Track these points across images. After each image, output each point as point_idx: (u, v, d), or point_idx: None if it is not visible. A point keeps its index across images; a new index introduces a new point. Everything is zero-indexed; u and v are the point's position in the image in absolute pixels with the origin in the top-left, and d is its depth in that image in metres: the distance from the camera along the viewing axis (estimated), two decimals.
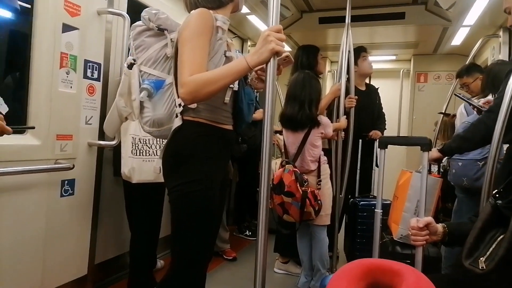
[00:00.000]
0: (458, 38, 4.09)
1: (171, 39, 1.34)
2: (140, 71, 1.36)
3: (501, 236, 1.07)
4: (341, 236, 2.99)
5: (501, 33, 3.28)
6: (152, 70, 1.35)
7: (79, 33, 1.92)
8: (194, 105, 1.25)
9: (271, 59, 1.11)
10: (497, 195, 1.14)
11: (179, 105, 1.27)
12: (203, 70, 1.19)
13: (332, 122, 2.75)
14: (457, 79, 3.01)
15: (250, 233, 3.63)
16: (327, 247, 2.42)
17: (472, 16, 3.36)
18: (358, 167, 3.11)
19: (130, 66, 1.36)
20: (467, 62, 3.35)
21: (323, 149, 2.80)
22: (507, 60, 2.95)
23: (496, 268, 1.03)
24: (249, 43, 4.27)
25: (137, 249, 2.17)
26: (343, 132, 2.73)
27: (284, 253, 2.85)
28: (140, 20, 1.37)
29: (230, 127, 1.40)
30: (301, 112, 2.28)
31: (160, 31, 1.34)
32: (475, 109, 2.12)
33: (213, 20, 1.25)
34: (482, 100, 2.10)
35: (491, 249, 1.07)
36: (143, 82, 1.34)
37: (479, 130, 1.60)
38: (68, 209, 1.96)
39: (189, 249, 1.28)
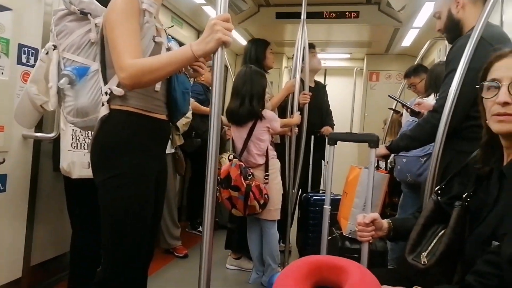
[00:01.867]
0: (408, 39, 4.27)
1: (95, 24, 1.26)
2: (63, 58, 1.28)
3: (442, 232, 1.09)
4: (293, 231, 3.00)
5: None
6: (75, 57, 1.27)
7: (13, 14, 1.76)
8: (121, 93, 1.18)
9: (219, 49, 1.06)
10: (439, 192, 1.17)
11: (106, 93, 1.20)
12: (140, 54, 1.13)
13: (286, 118, 2.76)
14: (405, 79, 3.12)
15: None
16: (277, 242, 2.43)
17: (421, 19, 3.51)
18: (311, 163, 3.15)
19: (50, 52, 1.27)
20: (415, 63, 3.49)
21: (275, 144, 2.81)
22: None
23: (437, 263, 1.05)
24: None
25: (79, 248, 2.03)
26: (296, 128, 2.74)
27: (237, 249, 2.82)
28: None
29: (163, 117, 1.33)
30: (242, 106, 2.30)
31: (83, 16, 1.27)
32: (408, 110, 2.22)
33: (139, 3, 1.19)
34: (417, 100, 2.20)
35: (432, 244, 1.09)
36: (65, 68, 1.24)
37: (425, 129, 1.66)
38: None
39: (123, 248, 1.21)
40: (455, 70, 1.53)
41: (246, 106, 2.29)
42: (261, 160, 2.35)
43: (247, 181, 2.20)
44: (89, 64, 1.27)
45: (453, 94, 1.50)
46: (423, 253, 1.09)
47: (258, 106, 2.31)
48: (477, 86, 1.02)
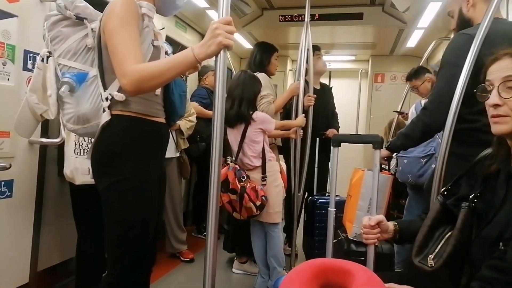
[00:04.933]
0: (413, 40, 4.24)
1: (92, 29, 1.25)
2: (59, 64, 1.26)
3: (449, 233, 1.08)
4: (300, 234, 2.99)
5: (452, 36, 3.43)
6: (72, 63, 1.26)
7: (18, 21, 1.77)
8: (122, 98, 1.18)
9: (221, 52, 1.06)
10: (445, 193, 1.15)
11: (106, 98, 1.19)
12: (141, 59, 1.12)
13: (290, 120, 2.76)
14: (407, 82, 3.11)
15: None
16: (281, 244, 2.42)
17: (426, 19, 3.49)
18: (316, 166, 3.13)
19: (46, 59, 1.26)
20: (420, 64, 3.47)
21: (278, 147, 2.80)
22: None
23: (444, 265, 1.04)
24: None
25: (85, 253, 2.04)
26: (301, 130, 2.73)
27: (242, 253, 2.81)
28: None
29: (163, 120, 1.34)
30: (231, 109, 2.31)
31: (79, 20, 1.25)
32: None
33: (138, 7, 1.19)
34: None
35: (439, 246, 1.08)
36: (64, 75, 1.24)
37: (417, 127, 1.65)
38: (5, 212, 1.80)
39: (127, 253, 1.21)
40: (443, 67, 1.55)
41: (235, 109, 2.31)
42: (257, 162, 2.34)
43: (241, 183, 2.21)
44: (87, 70, 1.26)
45: (458, 94, 1.47)
46: (429, 256, 1.08)
47: (247, 110, 2.32)
48: (474, 91, 1.03)
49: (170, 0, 1.33)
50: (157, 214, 1.36)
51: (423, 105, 1.65)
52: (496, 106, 0.93)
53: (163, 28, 1.52)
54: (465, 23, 1.66)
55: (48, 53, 1.27)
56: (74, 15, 1.24)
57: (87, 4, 1.28)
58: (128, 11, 1.15)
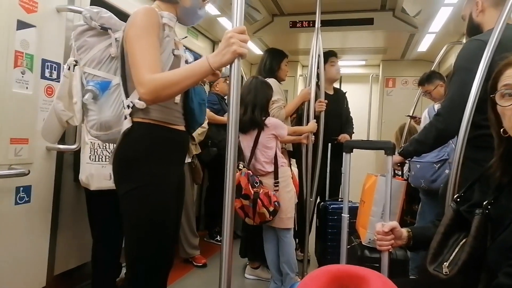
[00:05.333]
0: (424, 45, 4.22)
1: (115, 39, 1.29)
2: (84, 72, 1.30)
3: (464, 240, 1.07)
4: (312, 240, 2.98)
5: (464, 40, 3.40)
6: (97, 71, 1.29)
7: (36, 30, 1.82)
8: (143, 106, 1.20)
9: (235, 60, 1.08)
10: (458, 200, 1.14)
11: (128, 106, 1.22)
12: (159, 68, 1.15)
13: (302, 126, 2.77)
14: (419, 87, 3.09)
15: (221, 238, 3.55)
16: (293, 250, 2.42)
17: (437, 23, 3.47)
18: (328, 171, 3.12)
19: (72, 68, 1.29)
20: (432, 68, 3.44)
21: (288, 152, 2.80)
22: None
23: (460, 272, 1.03)
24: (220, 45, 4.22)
25: (99, 257, 2.07)
26: (313, 136, 2.74)
27: (254, 258, 2.82)
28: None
29: (182, 128, 1.36)
30: (245, 115, 2.33)
31: (104, 30, 1.29)
32: None
33: (159, 17, 1.22)
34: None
35: (454, 253, 1.07)
36: (88, 83, 1.27)
37: (430, 133, 1.64)
38: (23, 217, 1.84)
39: (146, 257, 1.23)
40: (456, 73, 1.54)
41: (248, 115, 2.33)
42: (270, 168, 2.36)
43: (254, 189, 2.22)
44: (110, 78, 1.30)
45: (472, 100, 1.47)
46: (444, 263, 1.07)
47: (260, 116, 2.34)
48: (491, 96, 1.01)
49: (192, 10, 1.36)
50: (175, 220, 1.38)
51: (436, 111, 1.64)
52: None
53: (185, 37, 1.55)
54: (474, 28, 1.66)
55: (74, 62, 1.31)
56: (99, 25, 1.28)
57: (112, 14, 1.32)
58: (149, 21, 1.18)
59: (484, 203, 1.03)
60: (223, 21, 3.64)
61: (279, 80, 2.93)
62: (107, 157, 1.91)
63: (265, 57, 2.95)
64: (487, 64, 1.43)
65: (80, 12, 1.99)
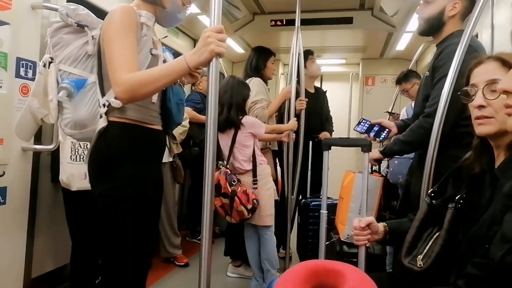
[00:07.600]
0: (402, 44, 4.31)
1: (92, 36, 1.27)
2: (59, 70, 1.27)
3: (437, 234, 1.11)
4: (294, 237, 3.01)
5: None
6: (72, 69, 1.27)
7: (10, 28, 1.78)
8: (119, 105, 1.19)
9: (213, 60, 1.08)
10: (432, 194, 1.18)
11: (103, 105, 1.21)
12: (136, 68, 1.14)
13: (283, 124, 2.79)
14: (397, 86, 3.15)
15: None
16: (274, 247, 2.44)
17: (414, 23, 3.54)
18: (309, 168, 3.16)
19: (47, 65, 1.27)
20: (409, 67, 3.52)
21: (273, 151, 2.82)
22: None
23: (433, 265, 1.06)
24: None
25: (78, 259, 2.04)
26: (294, 134, 2.76)
27: (236, 257, 2.83)
28: None
29: (159, 128, 1.35)
30: (221, 115, 2.33)
31: (80, 28, 1.27)
32: None
33: (137, 16, 1.21)
34: None
35: (427, 246, 1.10)
36: (63, 81, 1.25)
37: (419, 134, 1.67)
38: None
39: (124, 258, 1.22)
40: (446, 75, 1.55)
41: (225, 114, 2.34)
42: (248, 166, 2.37)
43: (232, 187, 2.24)
44: (86, 76, 1.27)
45: (444, 99, 1.52)
46: (419, 256, 1.11)
47: (236, 115, 2.35)
48: (458, 93, 1.06)
49: (171, 13, 1.35)
50: (153, 220, 1.37)
51: (425, 113, 1.67)
52: (480, 107, 0.96)
53: (165, 37, 1.54)
54: (437, 23, 1.70)
55: (50, 59, 1.28)
56: (75, 23, 1.26)
57: (89, 12, 1.29)
58: (127, 19, 1.17)
59: (457, 197, 1.07)
60: (204, 19, 3.62)
61: (266, 78, 2.93)
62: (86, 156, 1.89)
63: (251, 55, 2.96)
64: (459, 64, 1.48)
65: (56, 10, 1.95)
